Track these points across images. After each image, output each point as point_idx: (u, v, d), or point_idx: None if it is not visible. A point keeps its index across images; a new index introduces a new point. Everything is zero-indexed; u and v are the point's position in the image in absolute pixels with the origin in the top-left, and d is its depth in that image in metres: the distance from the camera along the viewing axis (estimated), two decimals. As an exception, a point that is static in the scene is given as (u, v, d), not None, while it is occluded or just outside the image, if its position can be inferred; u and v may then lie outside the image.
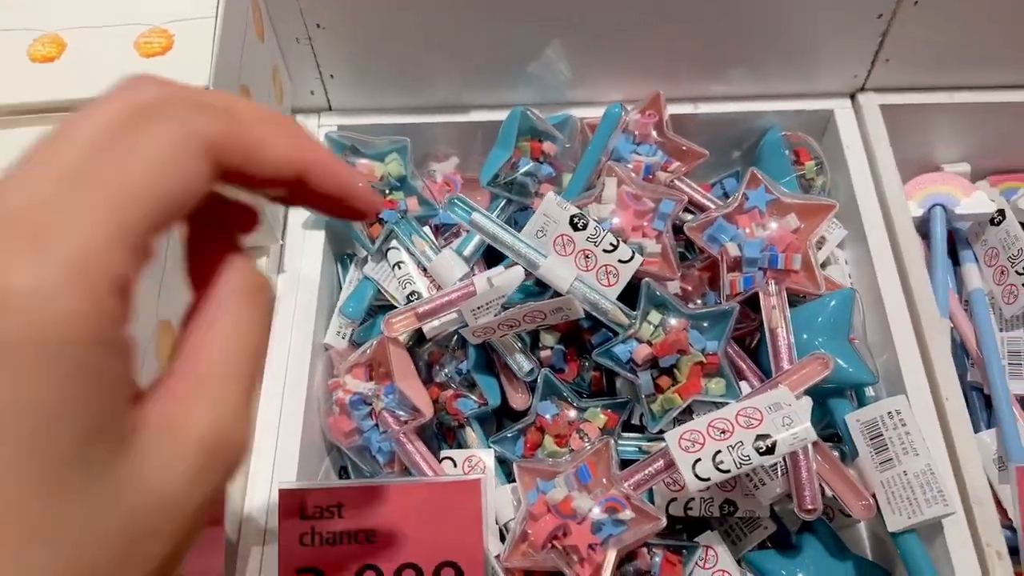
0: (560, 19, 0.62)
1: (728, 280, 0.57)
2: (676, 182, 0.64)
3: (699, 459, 0.49)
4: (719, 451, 0.49)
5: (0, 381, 0.18)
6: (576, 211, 0.55)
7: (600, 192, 0.62)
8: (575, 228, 0.54)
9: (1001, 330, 0.64)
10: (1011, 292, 0.63)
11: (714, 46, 0.64)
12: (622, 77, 0.67)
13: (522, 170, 0.64)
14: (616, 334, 0.56)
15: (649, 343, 0.55)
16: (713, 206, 0.63)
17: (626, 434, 0.58)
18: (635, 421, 0.59)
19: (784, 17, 0.62)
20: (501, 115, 0.65)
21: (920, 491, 0.50)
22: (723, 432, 0.50)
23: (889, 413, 0.53)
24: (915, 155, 0.72)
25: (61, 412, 0.19)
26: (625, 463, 0.56)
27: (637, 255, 0.55)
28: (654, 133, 0.65)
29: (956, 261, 0.69)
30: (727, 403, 0.52)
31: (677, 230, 0.67)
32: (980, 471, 0.52)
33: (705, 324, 0.56)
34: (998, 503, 0.54)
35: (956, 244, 0.69)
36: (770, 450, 0.48)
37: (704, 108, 0.68)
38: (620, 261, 0.55)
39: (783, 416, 0.49)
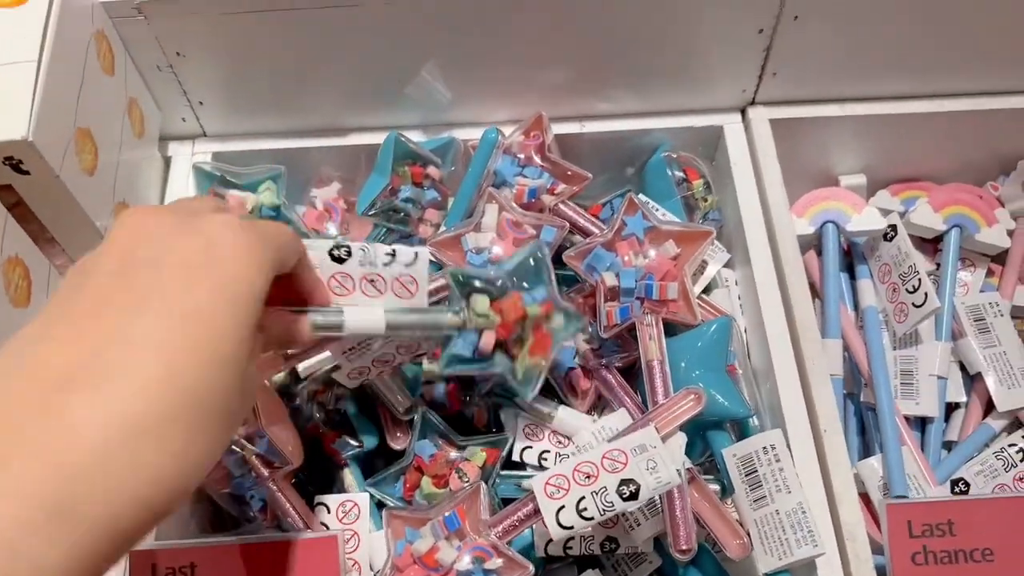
0: (435, 40, 0.60)
1: (605, 311, 0.55)
2: (561, 206, 0.62)
3: (563, 506, 0.47)
4: (583, 497, 0.47)
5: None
6: (331, 242, 0.47)
7: (479, 220, 0.60)
8: (339, 261, 0.45)
9: (895, 348, 0.63)
10: (902, 310, 0.62)
11: (598, 64, 0.62)
12: (505, 97, 0.65)
13: (402, 196, 0.62)
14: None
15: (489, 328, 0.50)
16: (597, 231, 0.61)
17: (505, 472, 0.57)
18: (515, 457, 0.57)
19: (667, 33, 0.60)
20: (383, 137, 0.62)
21: (791, 531, 0.49)
22: (588, 477, 0.48)
23: (764, 448, 0.52)
24: (813, 167, 0.71)
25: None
26: (507, 501, 0.54)
27: (421, 250, 0.47)
28: (538, 156, 0.63)
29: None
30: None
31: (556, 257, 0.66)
32: (855, 506, 0.51)
33: (525, 283, 0.50)
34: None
35: (854, 258, 0.68)
36: (633, 495, 0.47)
37: (591, 127, 0.66)
38: (407, 266, 0.47)
39: (648, 459, 0.48)
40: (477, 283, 0.48)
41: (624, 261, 0.55)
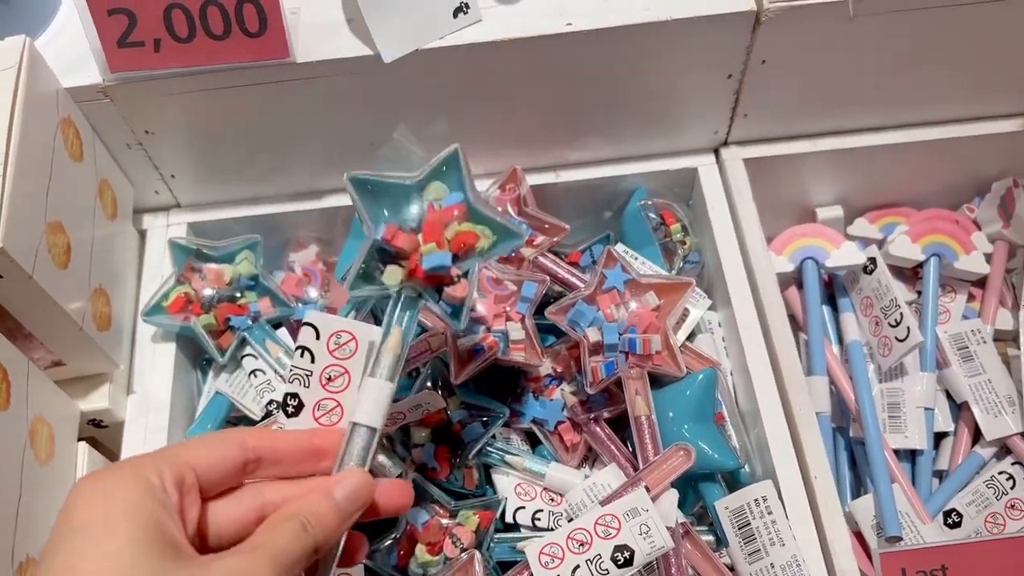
0: (407, 101, 0.59)
1: (590, 367, 0.55)
2: (541, 258, 0.62)
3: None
4: (578, 566, 0.48)
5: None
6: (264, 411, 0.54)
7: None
8: (293, 410, 0.43)
9: (880, 381, 0.63)
10: (885, 344, 0.62)
11: (570, 115, 0.62)
12: (479, 152, 0.64)
13: (381, 258, 0.61)
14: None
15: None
16: (578, 282, 0.61)
17: (499, 535, 0.57)
18: (509, 519, 0.57)
19: (636, 81, 0.60)
20: None
21: (787, 584, 0.49)
22: (582, 545, 0.48)
23: (756, 500, 0.52)
24: (791, 201, 0.71)
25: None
26: (503, 565, 0.54)
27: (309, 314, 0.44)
28: (515, 209, 0.63)
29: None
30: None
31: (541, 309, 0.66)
32: (848, 553, 0.51)
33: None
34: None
35: (835, 291, 0.68)
36: (628, 562, 0.47)
37: (565, 176, 0.66)
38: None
39: (641, 524, 0.48)
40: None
41: (606, 315, 0.55)
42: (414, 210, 0.47)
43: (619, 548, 0.47)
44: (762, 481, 0.53)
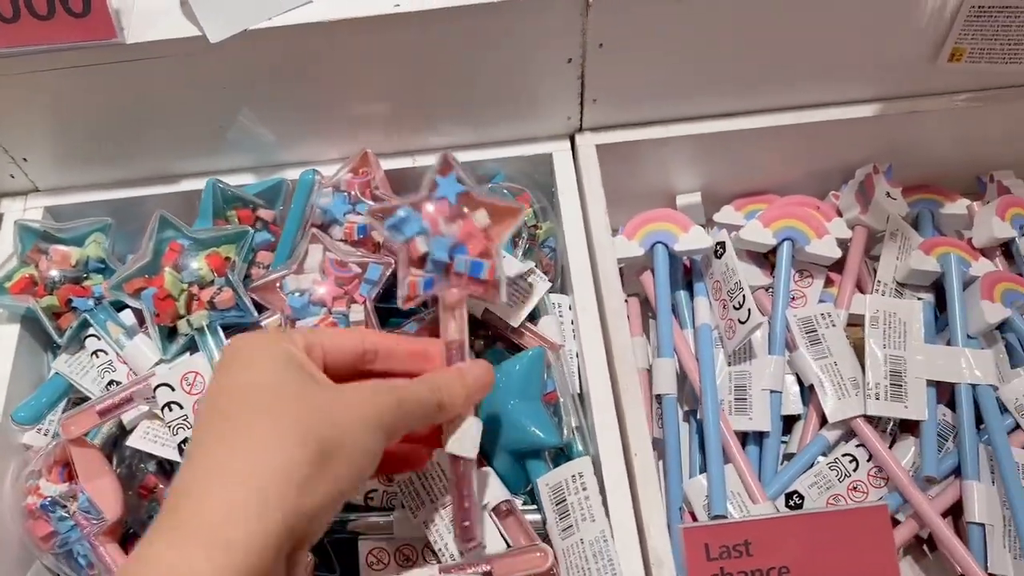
0: (256, 84, 0.60)
1: (408, 280, 0.50)
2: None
3: None
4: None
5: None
6: None
7: (300, 261, 0.60)
8: None
9: (729, 364, 0.64)
10: (730, 327, 0.62)
11: (423, 100, 0.63)
12: (335, 136, 0.65)
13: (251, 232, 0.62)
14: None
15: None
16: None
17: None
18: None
19: (482, 67, 0.60)
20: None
21: (593, 560, 0.50)
22: None
23: (573, 476, 0.52)
24: (654, 188, 0.72)
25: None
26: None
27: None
28: (368, 191, 0.63)
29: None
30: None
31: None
32: (662, 530, 0.51)
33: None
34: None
35: (693, 277, 0.68)
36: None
37: (423, 160, 0.66)
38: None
39: None
40: None
41: (433, 226, 0.50)
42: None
43: None
44: (581, 458, 0.53)
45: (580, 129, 0.67)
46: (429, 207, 0.51)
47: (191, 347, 0.58)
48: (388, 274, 0.60)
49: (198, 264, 0.58)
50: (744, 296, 0.61)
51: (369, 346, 0.44)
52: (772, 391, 0.62)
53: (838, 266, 0.69)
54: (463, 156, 0.66)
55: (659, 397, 0.63)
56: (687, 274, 0.69)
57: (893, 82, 0.66)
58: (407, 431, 0.43)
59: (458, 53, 0.59)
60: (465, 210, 0.51)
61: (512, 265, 0.60)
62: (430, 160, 0.65)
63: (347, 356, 0.43)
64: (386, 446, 0.40)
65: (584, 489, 0.52)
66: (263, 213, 0.64)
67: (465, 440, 0.47)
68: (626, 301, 0.68)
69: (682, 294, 0.68)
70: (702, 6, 0.57)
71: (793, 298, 0.67)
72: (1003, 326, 0.63)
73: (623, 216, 0.68)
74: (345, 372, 0.43)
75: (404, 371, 0.46)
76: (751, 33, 0.60)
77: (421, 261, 0.51)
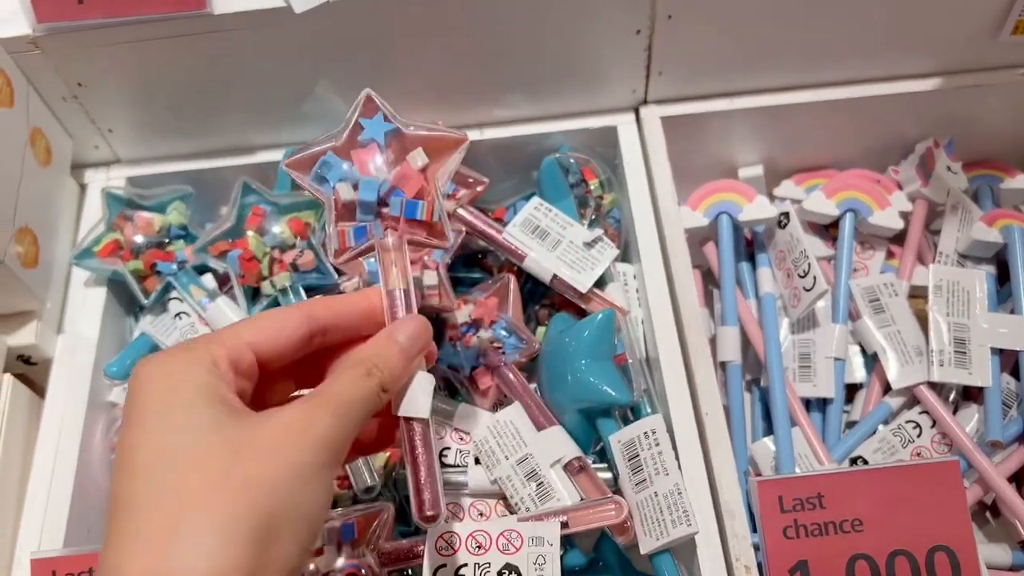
0: (330, 57, 0.62)
1: (336, 231, 0.45)
2: (461, 211, 0.64)
3: (444, 565, 0.49)
4: (465, 565, 0.49)
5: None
6: None
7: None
8: None
9: (793, 332, 0.65)
10: (795, 295, 0.63)
11: (491, 73, 0.64)
12: (406, 108, 0.66)
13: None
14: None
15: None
16: (495, 232, 0.63)
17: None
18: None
19: (548, 40, 0.62)
20: None
21: (668, 512, 0.51)
22: (479, 547, 0.50)
23: (645, 433, 0.54)
24: (716, 160, 0.72)
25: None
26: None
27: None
28: (437, 162, 0.65)
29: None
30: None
31: (471, 260, 0.68)
32: (734, 484, 0.52)
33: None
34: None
35: (755, 248, 0.69)
36: (511, 581, 0.49)
37: (490, 133, 0.68)
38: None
39: (540, 555, 0.49)
40: None
41: (362, 169, 0.45)
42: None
43: (509, 567, 0.49)
44: (653, 415, 0.54)
45: (645, 102, 0.68)
46: (357, 151, 0.46)
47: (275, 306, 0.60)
48: (459, 241, 0.62)
49: (280, 228, 0.60)
50: (809, 264, 0.62)
51: (316, 325, 0.39)
52: (836, 359, 0.63)
53: (899, 239, 0.69)
54: (528, 129, 0.68)
55: (723, 364, 0.64)
56: (748, 247, 0.70)
57: (955, 56, 0.67)
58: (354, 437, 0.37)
59: (525, 25, 0.60)
60: (396, 151, 0.46)
61: (579, 232, 0.62)
62: (498, 133, 0.68)
63: (290, 346, 0.38)
64: (336, 473, 0.37)
65: (657, 444, 0.53)
66: (337, 183, 0.66)
67: (418, 399, 0.41)
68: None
69: (744, 265, 0.69)
70: (771, -23, 0.58)
71: (855, 270, 0.68)
72: (1067, 296, 0.64)
73: (685, 189, 0.69)
74: (292, 358, 0.39)
75: (358, 336, 0.41)
76: (815, 6, 0.61)
77: (352, 211, 0.45)
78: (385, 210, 0.45)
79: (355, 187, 0.44)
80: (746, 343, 0.65)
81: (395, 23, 0.59)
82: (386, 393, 0.38)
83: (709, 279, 0.70)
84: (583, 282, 0.60)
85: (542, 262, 0.61)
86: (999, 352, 0.62)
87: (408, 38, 0.60)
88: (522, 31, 0.61)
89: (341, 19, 0.58)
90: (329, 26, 0.58)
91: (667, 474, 0.52)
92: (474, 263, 0.68)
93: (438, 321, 0.63)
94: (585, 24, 0.61)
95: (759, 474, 0.60)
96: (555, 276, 0.61)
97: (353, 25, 0.59)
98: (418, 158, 0.45)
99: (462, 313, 0.62)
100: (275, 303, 0.59)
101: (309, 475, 0.33)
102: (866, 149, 0.73)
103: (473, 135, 0.68)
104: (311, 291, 0.60)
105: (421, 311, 0.43)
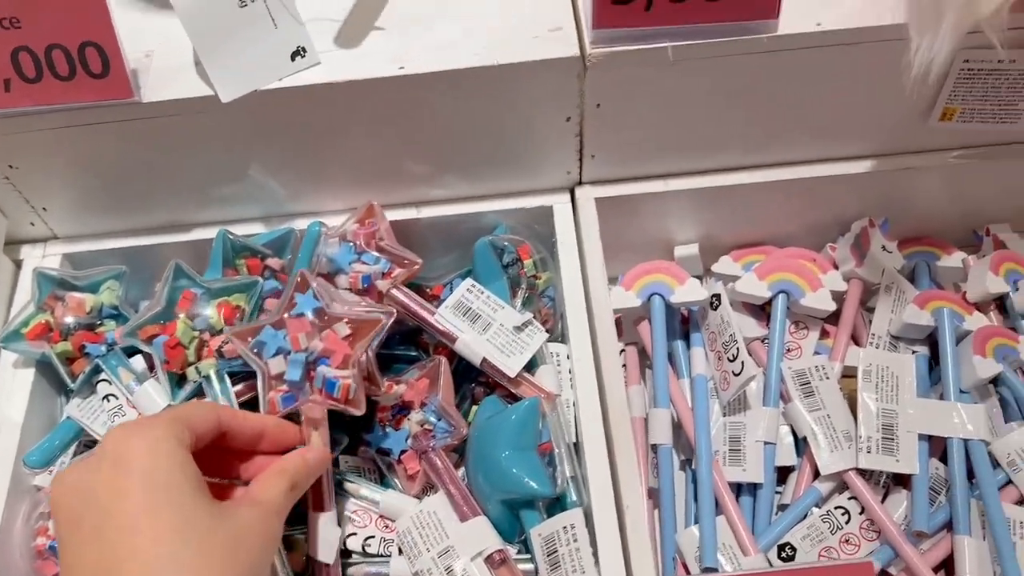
0: (261, 139, 0.62)
1: (268, 398, 0.53)
2: (394, 291, 0.64)
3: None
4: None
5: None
6: None
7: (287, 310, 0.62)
8: None
9: (724, 414, 0.65)
10: (725, 378, 0.64)
11: (424, 156, 0.65)
12: (342, 188, 0.67)
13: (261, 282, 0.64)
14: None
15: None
16: (427, 313, 0.63)
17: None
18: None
19: (484, 125, 0.62)
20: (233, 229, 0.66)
21: (582, 611, 0.51)
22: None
23: (565, 528, 0.54)
24: (653, 239, 0.73)
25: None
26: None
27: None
28: (373, 242, 0.65)
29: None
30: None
31: (407, 336, 0.68)
32: (651, 581, 0.52)
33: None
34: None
35: (691, 327, 0.70)
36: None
37: (427, 212, 0.68)
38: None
39: None
40: None
41: (294, 342, 0.53)
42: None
43: None
44: (573, 509, 0.54)
45: (580, 183, 0.68)
46: (291, 320, 0.55)
47: (199, 393, 0.60)
48: (388, 324, 0.62)
49: (211, 311, 0.60)
50: (738, 349, 0.62)
51: (223, 425, 0.47)
52: (766, 443, 0.63)
53: (834, 318, 0.70)
54: (466, 208, 0.69)
55: (655, 447, 0.64)
56: (685, 324, 0.71)
57: (888, 139, 0.68)
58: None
59: (459, 113, 0.61)
60: (325, 323, 0.55)
61: (510, 316, 0.62)
62: (436, 211, 0.68)
63: (205, 437, 0.46)
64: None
65: (575, 541, 0.53)
66: (272, 262, 0.66)
67: (324, 544, 0.53)
68: (623, 351, 0.70)
69: (680, 344, 0.69)
70: (696, 71, 0.59)
71: (789, 349, 0.68)
72: (996, 381, 0.64)
73: (625, 265, 0.70)
74: (199, 447, 0.45)
75: (247, 448, 0.50)
76: (746, 96, 0.62)
77: (282, 379, 0.54)
78: (314, 373, 0.53)
79: (286, 357, 0.53)
80: (680, 423, 0.65)
81: (324, 112, 0.60)
82: (294, 491, 0.48)
83: (647, 356, 0.70)
84: (512, 366, 0.60)
85: (472, 345, 0.61)
86: (928, 438, 0.62)
87: (339, 125, 0.61)
88: (458, 118, 0.61)
89: (270, 106, 0.58)
90: (259, 112, 0.59)
91: (583, 572, 0.52)
92: (411, 340, 0.68)
93: (369, 403, 0.62)
94: (518, 112, 0.61)
95: (684, 564, 0.59)
96: (484, 359, 0.61)
97: (282, 112, 0.59)
98: (343, 329, 0.54)
99: (393, 395, 0.62)
100: (199, 389, 0.59)
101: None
102: (806, 226, 0.74)
103: (410, 214, 0.68)
104: (236, 376, 0.60)
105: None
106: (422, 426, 0.61)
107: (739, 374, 0.62)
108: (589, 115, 0.62)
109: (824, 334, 0.70)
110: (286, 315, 0.56)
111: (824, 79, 0.61)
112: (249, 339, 0.55)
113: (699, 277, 0.74)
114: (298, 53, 0.58)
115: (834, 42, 0.58)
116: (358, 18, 0.60)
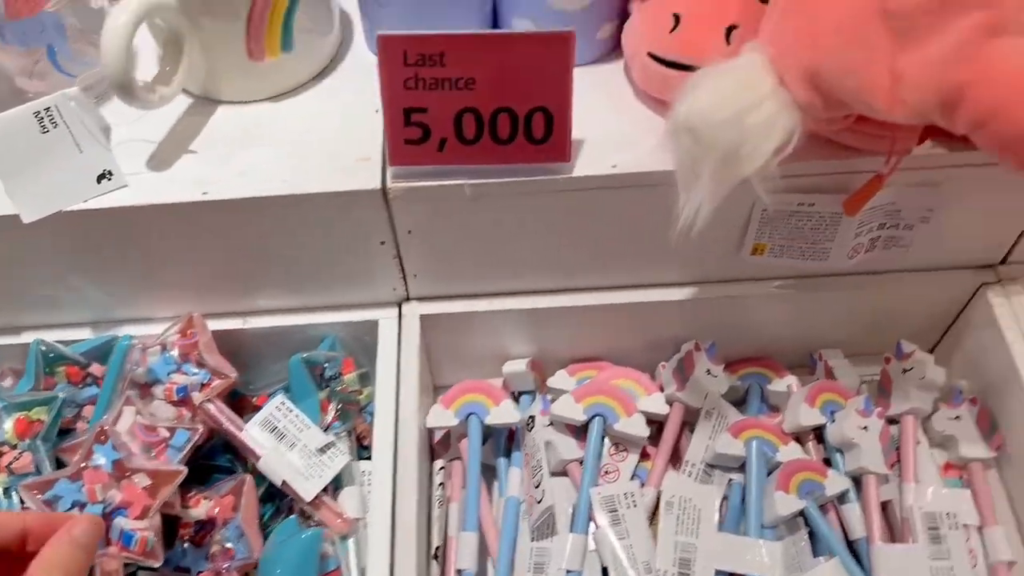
0: (68, 255, 0.63)
1: None
2: (208, 404, 0.64)
3: None
4: None
5: None
6: None
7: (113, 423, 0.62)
8: None
9: (532, 539, 0.65)
10: (530, 504, 0.64)
11: (248, 272, 0.65)
12: (166, 296, 0.68)
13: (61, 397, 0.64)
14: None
15: None
16: (236, 429, 0.63)
17: None
18: None
19: (302, 244, 0.63)
20: (58, 334, 0.66)
21: None
22: None
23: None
24: (486, 352, 0.74)
25: None
26: None
27: None
28: (194, 353, 0.66)
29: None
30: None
31: (227, 446, 0.68)
32: None
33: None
34: None
35: (514, 447, 0.70)
36: None
37: (254, 322, 0.69)
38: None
39: None
40: None
41: (90, 493, 0.54)
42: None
43: None
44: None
45: (407, 298, 0.69)
46: (88, 471, 0.55)
47: (-8, 507, 0.60)
48: (196, 439, 0.62)
49: (7, 426, 0.60)
50: (542, 476, 0.63)
51: (27, 530, 0.44)
52: (568, 571, 0.63)
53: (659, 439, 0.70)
54: (294, 319, 0.69)
55: (459, 572, 0.64)
56: (510, 442, 0.71)
57: (710, 268, 0.69)
58: None
59: (270, 236, 0.62)
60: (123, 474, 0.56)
61: (315, 436, 0.63)
62: (263, 322, 0.69)
63: (8, 545, 0.43)
64: None
65: None
66: (95, 369, 0.66)
67: None
68: (442, 468, 0.70)
69: (502, 461, 0.69)
70: (497, 206, 0.60)
71: (607, 472, 0.69)
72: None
73: (461, 379, 0.70)
74: None
75: (16, 553, 0.45)
76: (551, 228, 0.63)
77: None
78: (113, 524, 0.54)
79: (82, 510, 0.54)
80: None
81: (134, 231, 0.61)
82: None
83: (472, 472, 0.71)
84: (309, 490, 0.61)
85: (274, 465, 0.61)
86: (728, 574, 0.62)
87: (152, 243, 0.62)
88: (271, 239, 0.62)
89: (79, 226, 0.59)
90: (67, 231, 0.60)
91: None
92: (230, 449, 0.68)
93: (172, 519, 0.63)
94: (331, 236, 0.62)
95: None
96: (284, 482, 0.61)
97: (92, 230, 0.60)
98: (142, 480, 0.56)
99: (199, 510, 0.62)
100: (-8, 503, 0.59)
101: None
102: (643, 342, 0.74)
103: (236, 324, 0.69)
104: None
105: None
106: (223, 545, 0.61)
107: (540, 501, 0.62)
108: (403, 240, 0.63)
109: (645, 456, 0.70)
110: (83, 466, 0.56)
111: (625, 216, 0.62)
112: (37, 494, 0.55)
113: (531, 392, 0.74)
114: (104, 176, 0.59)
115: (629, 184, 0.59)
116: (172, 141, 0.62)
